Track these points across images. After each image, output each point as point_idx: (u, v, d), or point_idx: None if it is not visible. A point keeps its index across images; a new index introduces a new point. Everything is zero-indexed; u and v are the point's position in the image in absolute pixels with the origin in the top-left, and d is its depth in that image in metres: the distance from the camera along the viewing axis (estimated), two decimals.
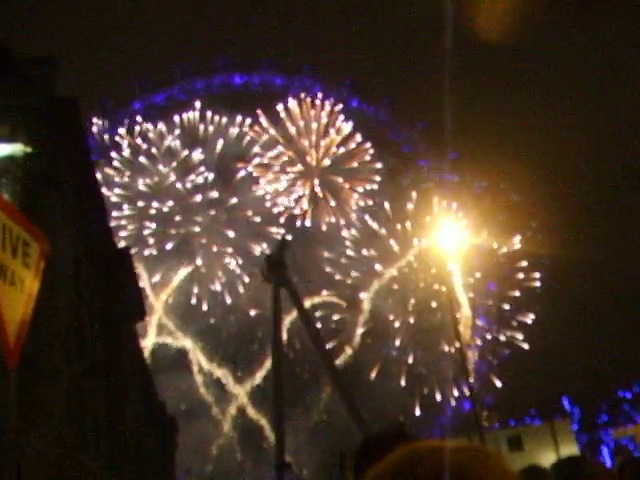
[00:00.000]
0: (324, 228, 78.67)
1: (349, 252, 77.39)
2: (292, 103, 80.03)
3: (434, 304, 71.33)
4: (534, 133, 79.55)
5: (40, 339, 17.60)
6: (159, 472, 42.05)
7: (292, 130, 79.80)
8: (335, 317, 74.25)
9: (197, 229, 75.79)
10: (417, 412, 71.55)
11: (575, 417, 61.42)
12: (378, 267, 75.97)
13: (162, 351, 70.93)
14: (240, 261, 75.00)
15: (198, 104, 77.68)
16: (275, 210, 78.25)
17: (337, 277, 76.23)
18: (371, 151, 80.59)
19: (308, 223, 78.75)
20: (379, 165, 79.98)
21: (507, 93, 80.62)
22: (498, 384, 72.05)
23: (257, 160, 78.22)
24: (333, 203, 79.60)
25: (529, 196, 72.47)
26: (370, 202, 79.00)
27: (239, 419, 71.91)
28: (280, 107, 79.29)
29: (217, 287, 74.89)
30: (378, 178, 79.33)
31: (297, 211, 78.42)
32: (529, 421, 58.62)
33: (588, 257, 67.27)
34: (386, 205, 78.00)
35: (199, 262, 74.69)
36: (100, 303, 28.25)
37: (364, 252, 76.89)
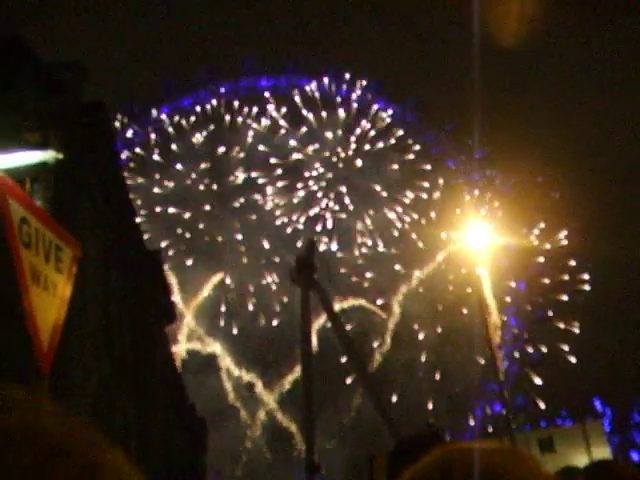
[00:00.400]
0: (356, 253, 74.10)
1: (369, 252, 74.81)
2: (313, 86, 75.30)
3: (465, 310, 69.38)
4: (563, 130, 78.68)
5: (70, 340, 17.78)
6: (189, 474, 42.21)
7: (312, 119, 74.83)
8: (356, 323, 71.29)
9: (225, 236, 74.50)
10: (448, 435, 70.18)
11: (607, 418, 60.71)
12: (405, 269, 73.42)
13: (192, 354, 71.06)
14: (270, 266, 73.98)
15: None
16: (288, 230, 73.24)
17: (362, 281, 73.74)
18: (416, 147, 75.59)
19: (334, 247, 73.31)
20: (427, 167, 74.69)
21: (533, 90, 79.85)
22: (541, 405, 69.64)
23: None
24: (368, 221, 74.54)
25: (560, 194, 71.57)
26: (416, 216, 73.04)
27: (269, 422, 71.80)
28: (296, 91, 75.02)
29: (250, 305, 73.41)
30: (426, 184, 74.13)
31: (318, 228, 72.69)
32: (560, 422, 58.05)
33: (620, 254, 66.57)
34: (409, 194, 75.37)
35: (228, 266, 73.88)
36: (129, 305, 28.45)
37: (392, 251, 74.37)
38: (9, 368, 15.33)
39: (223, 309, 73.21)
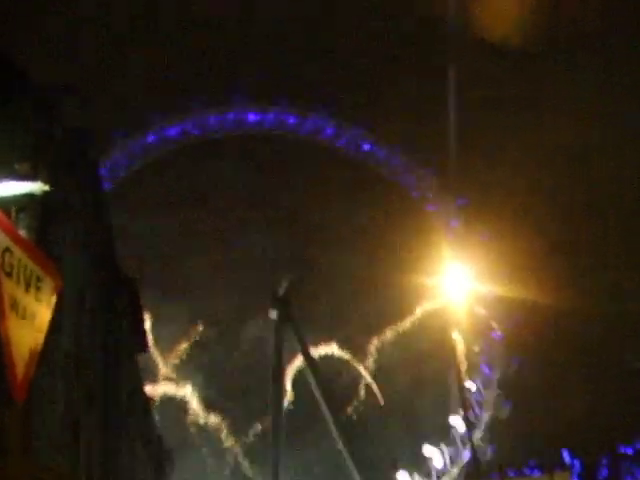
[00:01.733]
0: (327, 299, 73.82)
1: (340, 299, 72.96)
2: None
3: (438, 356, 68.56)
4: (549, 179, 78.60)
5: (40, 367, 17.60)
6: None
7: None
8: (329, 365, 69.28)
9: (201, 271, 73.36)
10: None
11: (575, 470, 60.69)
12: (379, 318, 72.24)
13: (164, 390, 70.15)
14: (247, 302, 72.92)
15: None
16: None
17: (334, 328, 72.29)
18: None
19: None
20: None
21: (517, 136, 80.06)
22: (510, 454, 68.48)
23: None
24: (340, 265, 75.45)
25: (544, 245, 71.38)
26: (389, 262, 73.45)
27: (235, 461, 70.79)
28: None
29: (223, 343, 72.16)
30: (403, 228, 77.15)
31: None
32: (528, 472, 57.92)
33: (590, 308, 67.10)
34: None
35: (202, 302, 72.59)
36: (101, 333, 28.26)
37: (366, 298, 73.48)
38: None
39: (195, 348, 72.05)
